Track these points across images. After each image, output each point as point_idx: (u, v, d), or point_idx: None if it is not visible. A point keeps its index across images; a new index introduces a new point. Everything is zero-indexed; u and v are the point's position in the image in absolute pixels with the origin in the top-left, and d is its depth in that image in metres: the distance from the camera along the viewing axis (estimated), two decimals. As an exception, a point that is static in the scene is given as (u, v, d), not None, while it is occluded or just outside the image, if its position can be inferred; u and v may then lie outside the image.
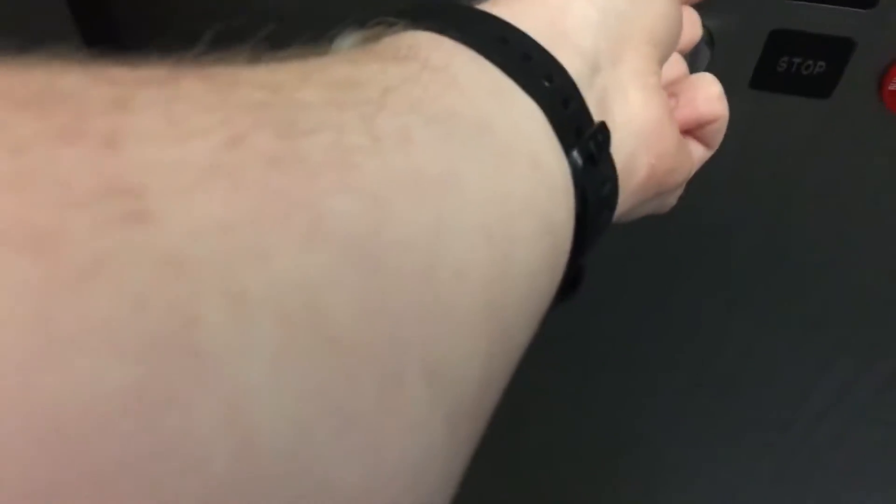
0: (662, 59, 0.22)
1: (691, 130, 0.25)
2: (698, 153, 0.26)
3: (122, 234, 0.08)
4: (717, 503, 0.70)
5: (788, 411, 0.56)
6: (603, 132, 0.17)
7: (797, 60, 0.37)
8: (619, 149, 0.19)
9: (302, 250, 0.10)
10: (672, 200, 0.24)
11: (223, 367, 0.09)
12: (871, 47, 0.36)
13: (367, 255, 0.11)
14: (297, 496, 0.09)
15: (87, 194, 0.08)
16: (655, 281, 0.48)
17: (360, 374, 0.10)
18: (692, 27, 0.27)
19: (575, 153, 0.16)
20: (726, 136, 0.42)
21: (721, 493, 0.69)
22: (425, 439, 0.11)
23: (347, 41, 0.17)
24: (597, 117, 0.18)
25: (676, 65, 0.26)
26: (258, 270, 0.09)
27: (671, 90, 0.25)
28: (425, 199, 0.12)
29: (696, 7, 0.28)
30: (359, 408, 0.10)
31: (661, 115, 0.20)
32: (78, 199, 0.08)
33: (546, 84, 0.16)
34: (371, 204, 0.11)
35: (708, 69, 0.37)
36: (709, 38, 0.38)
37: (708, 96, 0.24)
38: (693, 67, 0.29)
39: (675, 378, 0.56)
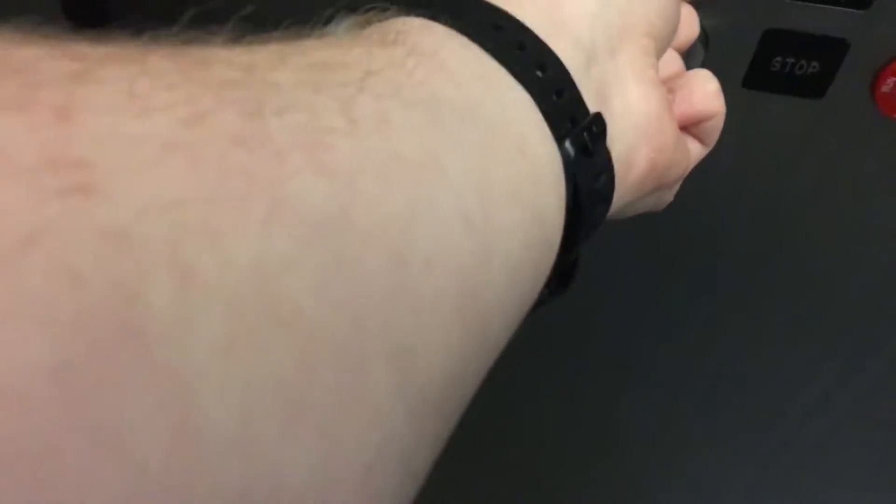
0: (660, 53, 0.21)
1: (688, 127, 0.25)
2: (695, 150, 0.26)
3: (63, 206, 0.08)
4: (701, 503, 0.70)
5: (775, 411, 0.56)
6: (598, 123, 0.17)
7: (791, 60, 0.37)
8: (618, 141, 0.19)
9: (259, 232, 0.10)
10: (669, 197, 0.24)
11: (164, 349, 0.08)
12: (865, 48, 0.36)
13: (332, 240, 0.11)
14: (241, 486, 0.09)
15: (28, 165, 0.08)
16: (643, 279, 0.48)
17: (317, 362, 0.10)
18: (690, 24, 0.27)
19: (567, 143, 0.16)
20: (720, 134, 0.41)
21: (705, 494, 0.69)
22: (385, 430, 0.11)
23: (341, 26, 0.16)
24: (594, 109, 0.18)
25: (673, 62, 0.26)
26: (209, 251, 0.09)
27: (668, 86, 0.24)
28: (400, 183, 0.12)
29: (692, 6, 0.28)
30: (313, 396, 0.10)
31: (661, 109, 0.20)
32: (17, 169, 0.08)
33: (538, 74, 0.16)
34: (341, 186, 0.11)
35: (702, 68, 0.37)
36: (704, 37, 0.38)
37: (705, 93, 0.24)
38: (688, 66, 0.29)
39: (660, 377, 0.56)
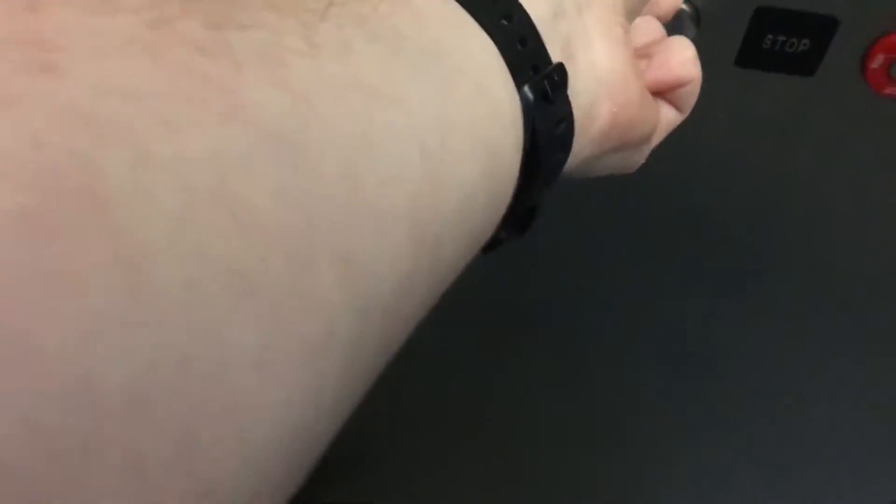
0: (631, 13, 0.22)
1: (664, 93, 0.26)
2: (671, 116, 0.26)
3: (29, 80, 0.09)
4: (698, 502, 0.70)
5: (775, 407, 0.56)
6: (560, 73, 0.18)
7: (782, 38, 0.37)
8: (581, 94, 0.19)
9: (216, 131, 0.10)
10: (638, 158, 0.25)
11: (119, 212, 0.09)
12: (855, 25, 0.36)
13: (289, 149, 0.11)
14: (186, 349, 0.10)
15: (1, 42, 0.09)
16: (634, 266, 0.48)
17: (268, 252, 0.11)
18: None
19: (527, 89, 0.17)
20: (712, 112, 0.42)
21: (706, 491, 0.69)
22: (331, 323, 0.12)
23: None
24: (558, 61, 0.18)
25: (653, 30, 0.26)
26: (165, 138, 0.10)
27: (646, 51, 0.25)
28: (358, 107, 0.13)
29: None
30: (262, 281, 0.11)
31: (625, 65, 0.21)
32: None
33: (504, 22, 0.17)
34: (299, 102, 0.12)
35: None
36: (695, 15, 0.39)
37: (682, 59, 0.25)
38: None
39: (659, 367, 0.56)
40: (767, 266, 0.45)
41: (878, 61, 0.37)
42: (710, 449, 0.64)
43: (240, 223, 0.10)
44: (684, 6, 0.38)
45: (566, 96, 0.18)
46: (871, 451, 0.59)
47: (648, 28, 0.26)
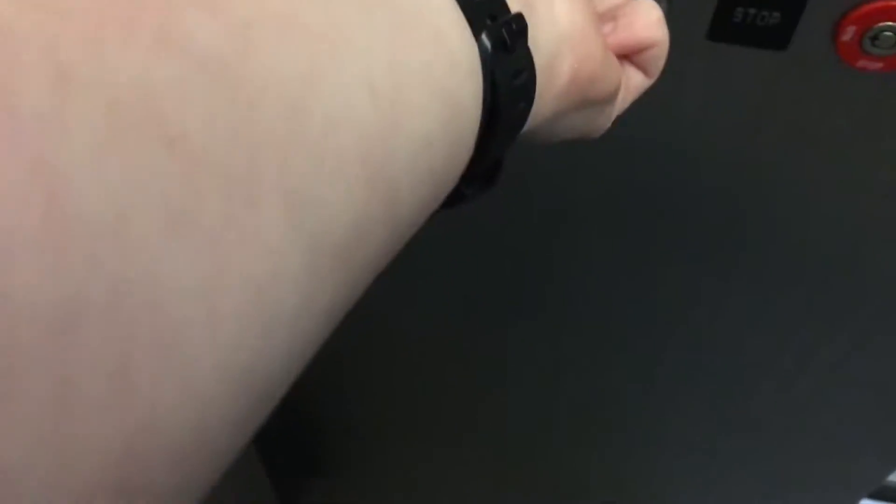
0: None
1: (630, 56, 0.25)
2: (638, 80, 0.26)
3: None
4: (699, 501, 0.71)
5: (766, 406, 0.56)
6: (518, 22, 0.18)
7: (752, 11, 0.37)
8: (542, 48, 0.19)
9: (144, 55, 0.10)
10: (603, 121, 0.24)
11: (37, 133, 0.09)
12: (825, -3, 0.36)
13: (224, 79, 0.11)
14: (116, 274, 0.09)
15: None
16: (610, 245, 0.48)
17: (205, 186, 0.10)
18: None
19: (484, 37, 0.17)
20: (684, 87, 0.42)
21: (702, 492, 0.69)
22: (277, 264, 0.12)
23: None
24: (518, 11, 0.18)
25: None
26: (87, 56, 0.10)
27: (611, 14, 0.25)
28: (300, 44, 0.13)
29: None
30: (200, 215, 0.10)
31: (585, 20, 0.20)
32: None
33: None
34: (235, 33, 0.11)
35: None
36: (666, -10, 0.39)
37: (647, 20, 0.24)
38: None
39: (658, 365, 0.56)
40: (742, 239, 0.45)
41: (849, 33, 0.36)
42: (712, 447, 0.64)
43: (170, 151, 0.10)
44: (655, -20, 0.38)
45: (526, 47, 0.18)
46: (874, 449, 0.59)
47: None
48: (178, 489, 0.11)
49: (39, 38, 0.09)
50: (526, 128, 0.19)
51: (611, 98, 0.23)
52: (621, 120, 0.26)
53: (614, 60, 0.23)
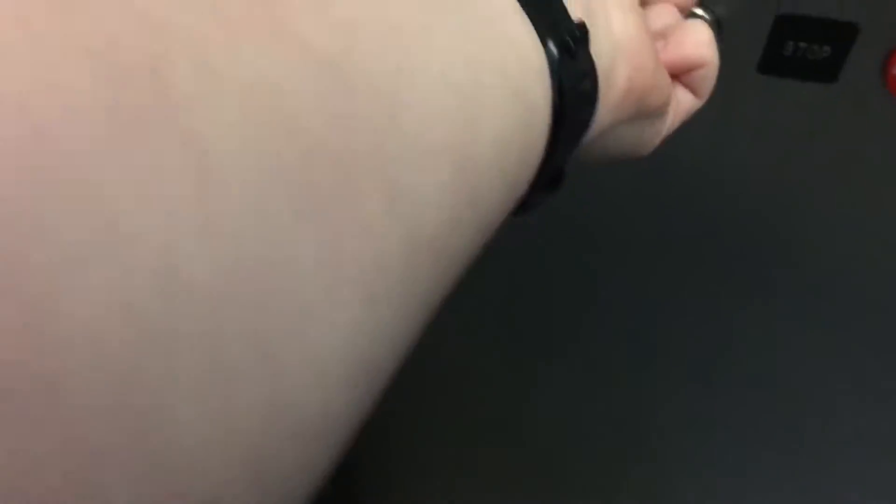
0: None
1: (680, 77, 0.26)
2: (687, 100, 0.27)
3: None
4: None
5: (792, 411, 0.56)
6: (581, 29, 0.18)
7: (803, 45, 0.38)
8: (601, 56, 0.20)
9: (267, 47, 0.11)
10: (652, 136, 0.25)
11: (188, 111, 0.09)
12: (875, 32, 0.37)
13: (336, 71, 0.12)
14: (262, 256, 0.10)
15: None
16: (652, 268, 0.48)
17: (317, 171, 0.11)
18: None
19: (550, 43, 0.17)
20: (734, 118, 0.42)
21: (721, 493, 0.68)
22: (382, 253, 0.12)
23: None
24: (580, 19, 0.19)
25: (670, 13, 0.27)
26: (224, 49, 0.10)
27: (662, 33, 0.26)
28: (395, 43, 0.13)
29: None
30: (316, 199, 0.11)
31: (639, 31, 0.21)
32: None
33: None
34: (342, 30, 0.12)
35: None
36: (717, 24, 0.40)
37: (697, 40, 0.25)
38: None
39: (675, 372, 0.56)
40: (788, 271, 0.45)
41: (898, 67, 0.37)
42: (729, 455, 0.63)
43: (292, 139, 0.11)
44: (706, 14, 0.39)
45: (589, 54, 0.19)
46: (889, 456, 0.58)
47: (665, 11, 0.27)
48: (304, 470, 0.12)
49: (180, 30, 0.10)
50: (586, 137, 0.20)
51: (662, 110, 0.24)
52: (668, 145, 0.27)
53: (664, 71, 0.23)
